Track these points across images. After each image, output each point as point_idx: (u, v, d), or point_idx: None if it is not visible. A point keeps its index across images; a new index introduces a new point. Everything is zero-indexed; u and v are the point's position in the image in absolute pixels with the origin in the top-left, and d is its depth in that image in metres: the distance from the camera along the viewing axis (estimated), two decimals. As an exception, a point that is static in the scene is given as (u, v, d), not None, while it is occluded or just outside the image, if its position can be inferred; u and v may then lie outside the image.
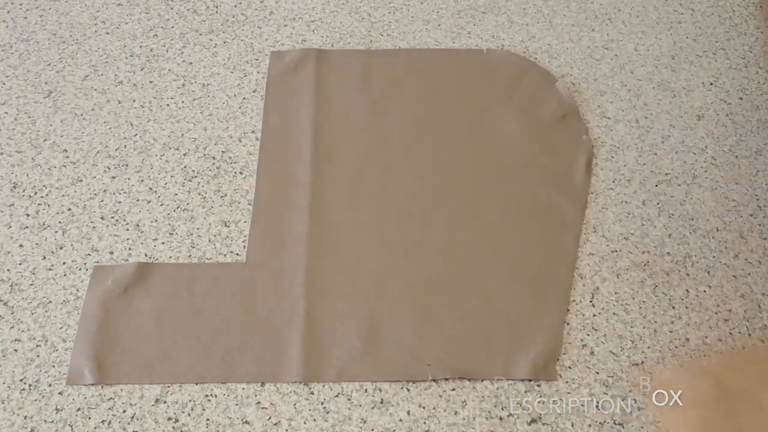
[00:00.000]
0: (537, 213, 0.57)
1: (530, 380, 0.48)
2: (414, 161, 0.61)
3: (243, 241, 0.55)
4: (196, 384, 0.47)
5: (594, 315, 0.51)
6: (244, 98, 0.66)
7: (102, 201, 0.57)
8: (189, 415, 0.45)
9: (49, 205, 0.57)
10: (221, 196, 0.58)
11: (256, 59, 0.69)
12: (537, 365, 0.48)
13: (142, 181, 0.59)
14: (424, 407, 0.46)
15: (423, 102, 0.66)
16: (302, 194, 0.58)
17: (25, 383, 0.47)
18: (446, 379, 0.47)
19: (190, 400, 0.46)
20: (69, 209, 0.57)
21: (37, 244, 0.54)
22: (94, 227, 0.56)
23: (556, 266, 0.54)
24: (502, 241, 0.55)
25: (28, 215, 0.56)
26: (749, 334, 0.51)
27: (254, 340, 0.49)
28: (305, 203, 0.57)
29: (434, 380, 0.47)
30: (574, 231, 0.56)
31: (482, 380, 0.47)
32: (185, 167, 0.60)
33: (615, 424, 0.46)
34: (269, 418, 0.45)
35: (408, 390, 0.47)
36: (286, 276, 0.53)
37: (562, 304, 0.51)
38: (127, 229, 0.55)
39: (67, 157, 0.61)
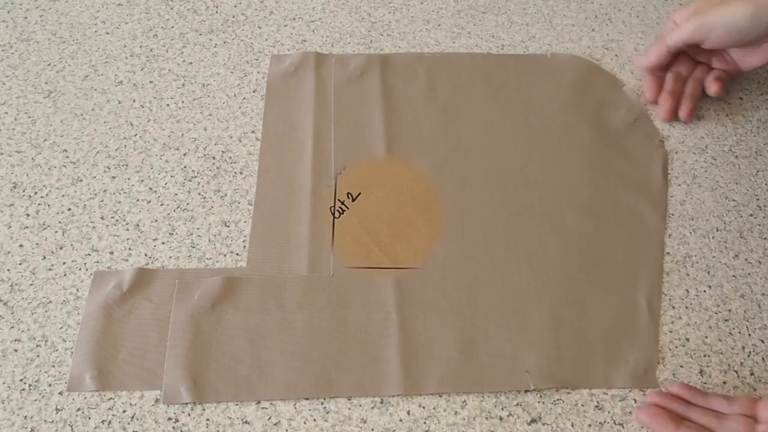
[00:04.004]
0: (619, 219, 0.56)
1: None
2: (484, 168, 0.59)
3: (243, 241, 0.55)
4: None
5: (594, 315, 0.51)
6: (244, 98, 0.66)
7: (102, 201, 0.57)
8: (189, 415, 0.46)
9: (49, 205, 0.57)
10: (221, 196, 0.58)
11: (256, 59, 0.69)
12: (637, 374, 0.48)
13: (142, 181, 0.59)
14: (424, 407, 0.46)
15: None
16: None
17: (25, 383, 0.47)
18: (446, 379, 0.47)
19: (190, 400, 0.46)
20: (69, 209, 0.57)
21: (37, 244, 0.54)
22: (94, 227, 0.56)
23: (644, 272, 0.53)
24: (588, 248, 0.54)
25: (28, 215, 0.56)
26: (749, 334, 0.51)
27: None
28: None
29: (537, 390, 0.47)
30: (657, 236, 0.55)
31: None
32: (185, 167, 0.60)
33: (615, 424, 0.46)
34: (269, 418, 0.45)
35: (408, 390, 0.47)
36: (374, 288, 0.52)
37: (655, 311, 0.51)
38: (127, 229, 0.55)
39: (67, 157, 0.61)
